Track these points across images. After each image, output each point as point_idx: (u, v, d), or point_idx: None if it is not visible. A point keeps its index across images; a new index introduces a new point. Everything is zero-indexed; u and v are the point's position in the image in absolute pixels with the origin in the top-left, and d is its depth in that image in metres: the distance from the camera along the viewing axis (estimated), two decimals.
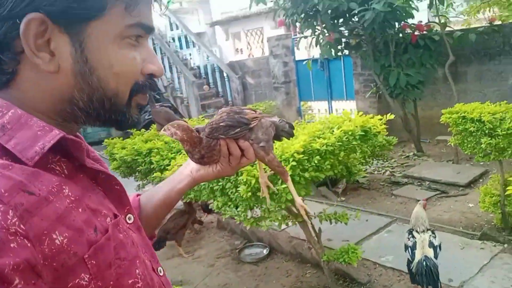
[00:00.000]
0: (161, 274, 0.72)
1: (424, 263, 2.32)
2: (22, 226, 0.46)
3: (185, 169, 0.93)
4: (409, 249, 2.44)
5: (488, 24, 5.23)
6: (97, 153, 0.72)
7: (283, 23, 5.68)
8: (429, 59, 5.24)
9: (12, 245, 0.44)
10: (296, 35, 7.37)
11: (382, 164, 5.46)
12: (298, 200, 1.06)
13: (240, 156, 0.89)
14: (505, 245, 3.05)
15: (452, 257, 2.94)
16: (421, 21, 5.41)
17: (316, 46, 5.58)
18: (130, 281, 0.59)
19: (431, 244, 2.39)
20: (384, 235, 3.51)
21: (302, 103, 7.96)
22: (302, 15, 5.24)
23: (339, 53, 5.64)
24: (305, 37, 5.72)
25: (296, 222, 2.67)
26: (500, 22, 5.21)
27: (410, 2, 4.89)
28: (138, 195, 0.91)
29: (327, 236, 3.27)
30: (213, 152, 0.86)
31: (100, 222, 0.57)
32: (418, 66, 5.24)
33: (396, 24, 5.19)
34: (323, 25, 5.29)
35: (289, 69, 7.73)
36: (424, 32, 5.29)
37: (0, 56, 0.54)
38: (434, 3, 5.01)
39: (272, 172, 1.03)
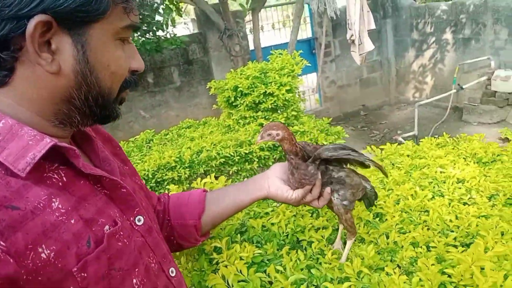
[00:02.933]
0: (173, 274, 0.72)
1: None
2: (2, 242, 0.46)
3: (263, 181, 0.96)
4: None
5: None
6: (107, 154, 0.71)
7: None
8: None
9: None
10: None
11: None
12: (343, 259, 1.00)
13: (315, 198, 0.94)
14: None
15: None
16: None
17: None
18: None
19: None
20: None
21: None
22: None
23: None
24: None
25: None
26: None
27: None
28: (204, 190, 0.98)
29: None
30: (309, 179, 0.91)
31: (95, 232, 0.57)
32: None
33: None
34: None
35: None
36: None
37: (4, 53, 0.53)
38: None
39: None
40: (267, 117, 2.77)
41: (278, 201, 0.98)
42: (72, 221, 0.54)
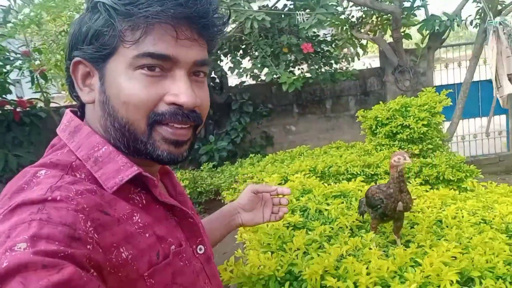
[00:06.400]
0: None
1: None
2: (96, 235, 0.54)
3: (236, 218, 1.12)
4: None
5: None
6: (182, 189, 0.83)
7: None
8: (38, 137, 4.83)
9: (88, 246, 0.53)
10: None
11: None
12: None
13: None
14: None
15: None
16: (21, 97, 4.94)
17: None
18: None
19: None
20: None
21: None
22: None
23: None
24: None
25: None
26: None
27: (7, 77, 4.38)
28: None
29: None
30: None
31: (163, 249, 0.64)
32: (27, 145, 4.72)
33: None
34: None
35: None
36: (27, 108, 4.85)
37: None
38: (35, 78, 4.69)
39: None
40: (402, 146, 3.05)
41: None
42: (147, 235, 0.62)
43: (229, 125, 5.00)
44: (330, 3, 3.35)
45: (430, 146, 3.02)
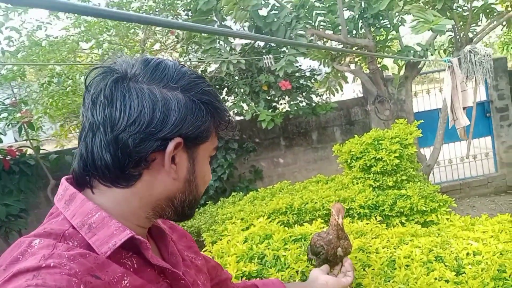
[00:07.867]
0: None
1: None
2: None
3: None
4: None
5: None
6: (176, 249, 0.85)
7: None
8: (28, 184, 4.89)
9: None
10: None
11: None
12: None
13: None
14: None
15: None
16: (11, 146, 5.03)
17: None
18: None
19: None
20: None
21: None
22: None
23: None
24: None
25: None
26: None
27: None
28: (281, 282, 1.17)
29: None
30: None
31: None
32: (17, 194, 4.76)
33: None
34: None
35: None
36: (17, 156, 4.93)
37: (142, 164, 0.68)
38: (23, 127, 4.79)
39: None
40: (377, 179, 3.09)
41: None
42: None
43: (215, 163, 5.05)
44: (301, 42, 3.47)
45: (404, 177, 3.06)
